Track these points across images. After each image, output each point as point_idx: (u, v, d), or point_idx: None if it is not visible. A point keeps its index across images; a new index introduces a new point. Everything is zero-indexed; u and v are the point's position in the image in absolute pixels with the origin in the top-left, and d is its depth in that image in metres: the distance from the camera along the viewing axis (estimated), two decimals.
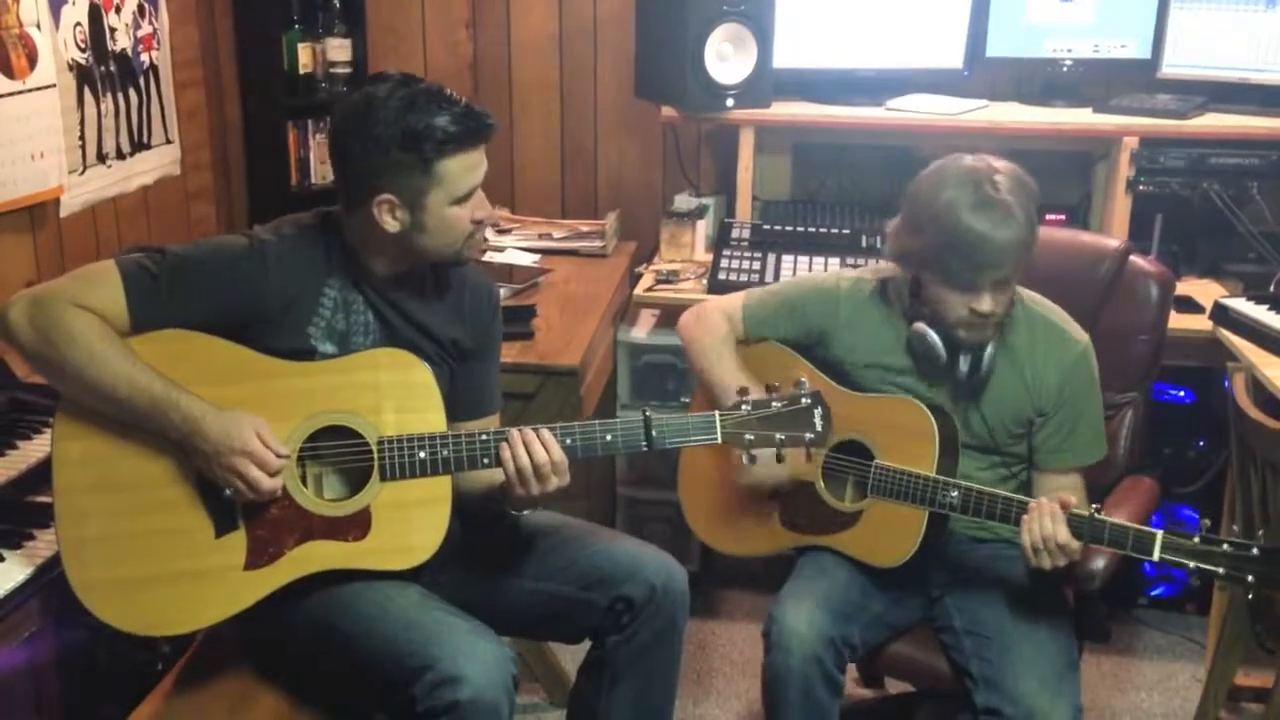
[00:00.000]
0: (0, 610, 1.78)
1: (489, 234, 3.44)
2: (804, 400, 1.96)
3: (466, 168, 1.89)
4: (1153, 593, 3.33)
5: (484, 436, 1.92)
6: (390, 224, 1.91)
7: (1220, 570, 1.85)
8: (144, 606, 1.85)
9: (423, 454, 1.90)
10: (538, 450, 1.90)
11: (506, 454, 1.90)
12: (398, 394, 1.93)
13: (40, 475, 1.98)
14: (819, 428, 1.96)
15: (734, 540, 2.39)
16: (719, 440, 1.95)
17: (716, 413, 1.96)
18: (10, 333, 1.83)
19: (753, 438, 1.95)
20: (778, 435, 1.95)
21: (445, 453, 1.91)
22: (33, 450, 2.10)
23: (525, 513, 2.03)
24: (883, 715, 2.67)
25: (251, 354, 1.91)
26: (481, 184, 1.95)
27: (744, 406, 1.96)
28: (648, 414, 1.94)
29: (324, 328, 1.97)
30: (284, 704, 1.96)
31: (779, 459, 2.00)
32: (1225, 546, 1.85)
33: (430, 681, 1.80)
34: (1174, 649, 3.21)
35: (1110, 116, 3.18)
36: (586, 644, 2.15)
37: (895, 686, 2.62)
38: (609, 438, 1.94)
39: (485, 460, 1.92)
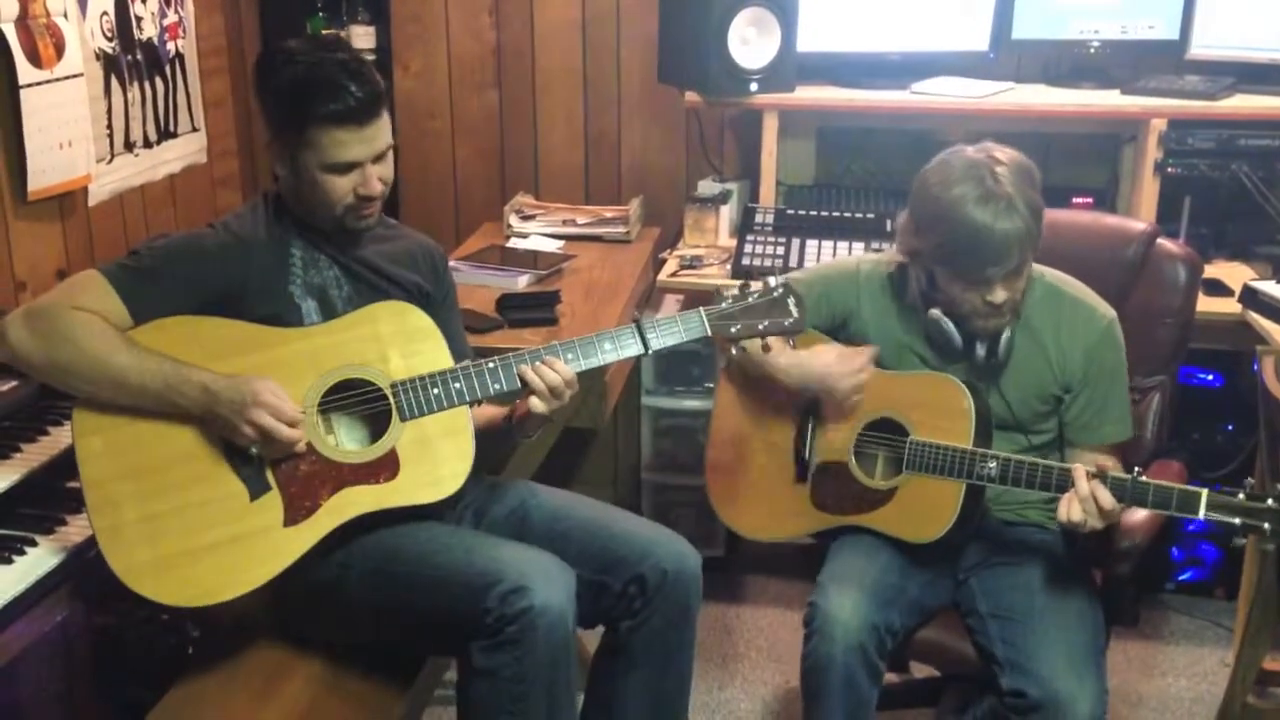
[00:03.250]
0: (32, 595, 1.81)
1: (513, 220, 3.46)
2: (777, 291, 2.07)
3: (338, 142, 1.95)
4: (1181, 578, 3.32)
5: (491, 364, 1.99)
6: (280, 170, 2.03)
7: (1266, 526, 1.84)
8: (192, 578, 1.87)
9: (436, 390, 1.97)
10: (548, 374, 1.98)
11: (531, 375, 1.97)
12: (400, 340, 2.00)
13: (72, 460, 2.00)
14: (795, 314, 2.06)
15: (763, 524, 2.38)
16: (708, 332, 2.05)
17: (701, 309, 2.05)
18: (13, 348, 1.87)
19: (738, 328, 2.05)
20: (759, 325, 2.06)
21: (458, 385, 1.98)
22: (63, 436, 2.12)
23: (533, 437, 2.16)
24: (908, 699, 2.66)
25: (252, 326, 1.97)
26: (375, 161, 2.00)
27: (724, 302, 2.06)
28: (638, 318, 2.03)
29: (301, 284, 2.05)
30: (319, 677, 1.99)
31: (764, 349, 2.11)
32: (1271, 502, 1.85)
33: (501, 592, 1.86)
34: (1202, 634, 3.20)
35: (1138, 98, 3.15)
36: (601, 629, 2.16)
37: (920, 670, 2.62)
38: (607, 346, 2.02)
39: (496, 386, 1.99)
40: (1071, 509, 1.96)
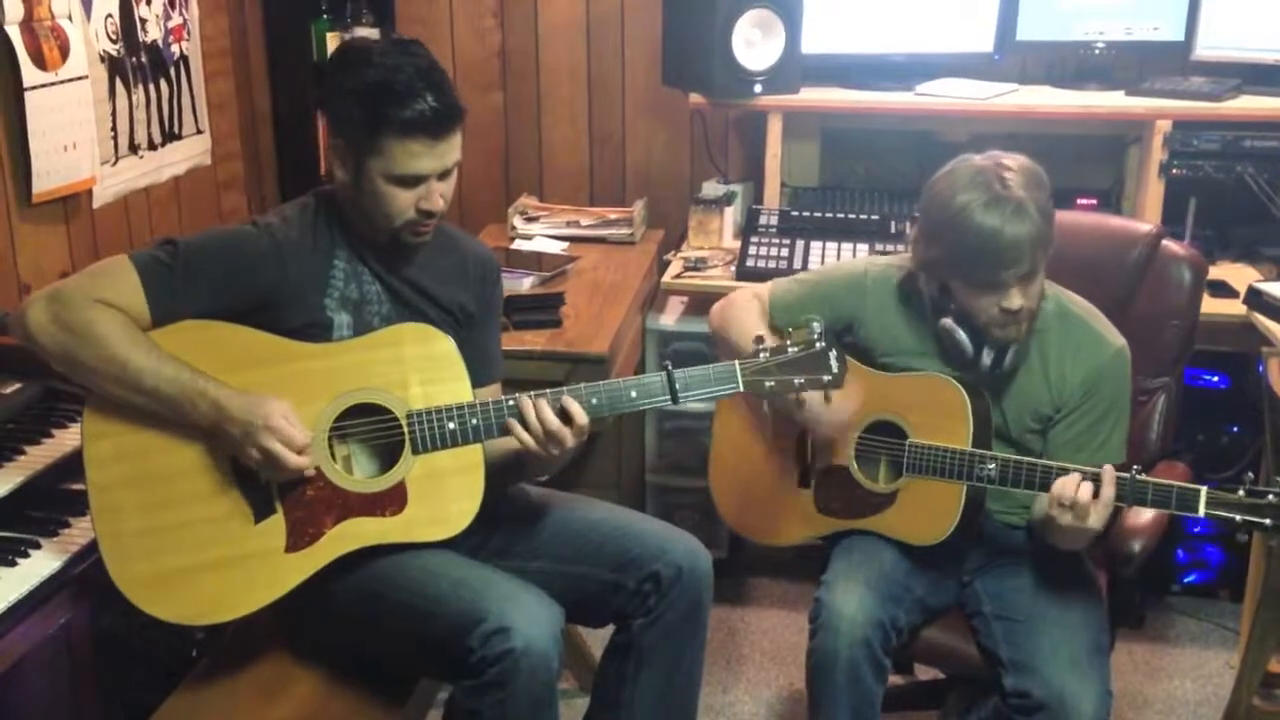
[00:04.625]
0: (35, 598, 1.81)
1: (518, 221, 3.46)
2: (819, 344, 1.98)
3: (409, 153, 1.89)
4: (1186, 580, 3.31)
5: (511, 402, 1.93)
6: (339, 173, 1.96)
7: (1267, 522, 1.84)
8: (189, 596, 1.86)
9: (452, 424, 1.92)
10: (550, 419, 1.90)
11: (517, 427, 1.91)
12: (422, 367, 1.95)
13: (76, 463, 2.00)
14: (835, 369, 1.98)
15: (768, 529, 2.38)
16: (741, 388, 1.97)
17: (736, 361, 1.98)
18: (32, 333, 1.84)
19: (773, 384, 1.97)
20: (796, 380, 1.97)
21: (475, 421, 1.93)
22: (68, 439, 2.12)
23: (544, 478, 2.08)
24: (913, 701, 2.66)
25: (273, 339, 1.93)
26: (441, 177, 1.94)
27: (762, 354, 1.98)
28: (669, 367, 1.96)
29: (337, 298, 2.00)
30: (320, 686, 1.98)
31: (798, 404, 2.02)
32: (1271, 498, 1.84)
33: (484, 632, 1.83)
34: (1207, 636, 3.19)
35: (1143, 100, 3.15)
36: (611, 629, 2.16)
37: (925, 673, 2.62)
38: (634, 394, 1.95)
39: None
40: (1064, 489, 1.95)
